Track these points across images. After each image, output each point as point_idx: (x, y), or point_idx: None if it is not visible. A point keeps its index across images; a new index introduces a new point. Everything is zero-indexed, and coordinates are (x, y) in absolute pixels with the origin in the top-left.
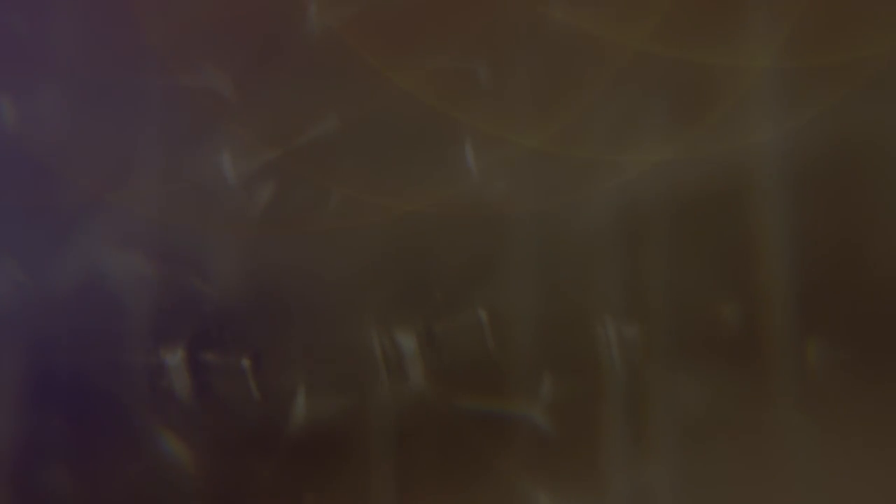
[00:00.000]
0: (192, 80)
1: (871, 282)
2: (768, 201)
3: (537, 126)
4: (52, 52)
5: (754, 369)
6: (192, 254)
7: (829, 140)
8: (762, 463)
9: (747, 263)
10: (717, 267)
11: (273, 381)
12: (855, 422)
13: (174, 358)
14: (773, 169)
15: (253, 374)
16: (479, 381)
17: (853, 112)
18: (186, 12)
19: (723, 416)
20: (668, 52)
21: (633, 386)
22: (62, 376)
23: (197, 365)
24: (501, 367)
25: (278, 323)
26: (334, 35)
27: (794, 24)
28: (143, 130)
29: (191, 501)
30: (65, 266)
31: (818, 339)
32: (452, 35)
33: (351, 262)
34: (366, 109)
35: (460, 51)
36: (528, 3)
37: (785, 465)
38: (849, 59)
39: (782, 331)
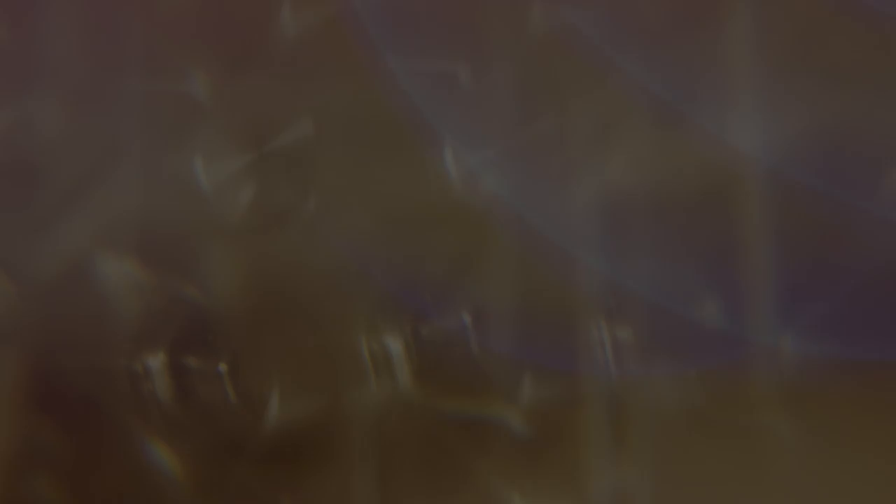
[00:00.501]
0: (170, 83)
1: (852, 281)
2: (750, 199)
3: (519, 126)
4: (34, 57)
5: (733, 368)
6: (177, 257)
7: (809, 137)
8: (741, 464)
9: (728, 262)
10: (698, 265)
11: (254, 385)
12: (834, 423)
13: (157, 362)
14: (754, 167)
15: (232, 378)
16: (462, 384)
17: (833, 110)
18: (166, 17)
19: (702, 416)
20: (648, 51)
21: (614, 386)
22: (49, 380)
23: (180, 368)
24: (484, 369)
25: (262, 325)
26: (309, 36)
27: (777, 22)
28: (124, 133)
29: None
30: (49, 268)
31: (797, 338)
32: (432, 36)
33: (335, 264)
34: (343, 111)
35: (440, 52)
36: (510, 3)
37: (764, 467)
38: (831, 59)
39: (762, 330)
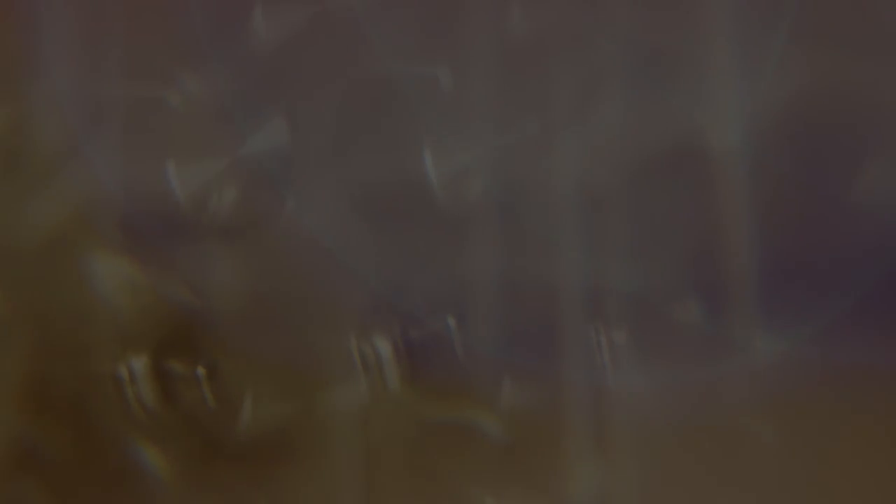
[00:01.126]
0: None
1: (836, 281)
2: (731, 188)
3: (499, 127)
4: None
5: (715, 371)
6: (163, 259)
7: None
8: (724, 469)
9: (710, 260)
10: (680, 263)
11: (238, 386)
12: (817, 427)
13: (141, 365)
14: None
15: (216, 380)
16: (445, 387)
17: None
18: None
19: (683, 420)
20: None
21: (598, 390)
22: (36, 383)
23: (164, 372)
24: (468, 372)
25: (247, 327)
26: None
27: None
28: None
29: None
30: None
31: (778, 340)
32: (410, 37)
33: (324, 265)
34: (321, 111)
35: (420, 54)
36: (489, 5)
37: (747, 472)
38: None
39: (744, 331)
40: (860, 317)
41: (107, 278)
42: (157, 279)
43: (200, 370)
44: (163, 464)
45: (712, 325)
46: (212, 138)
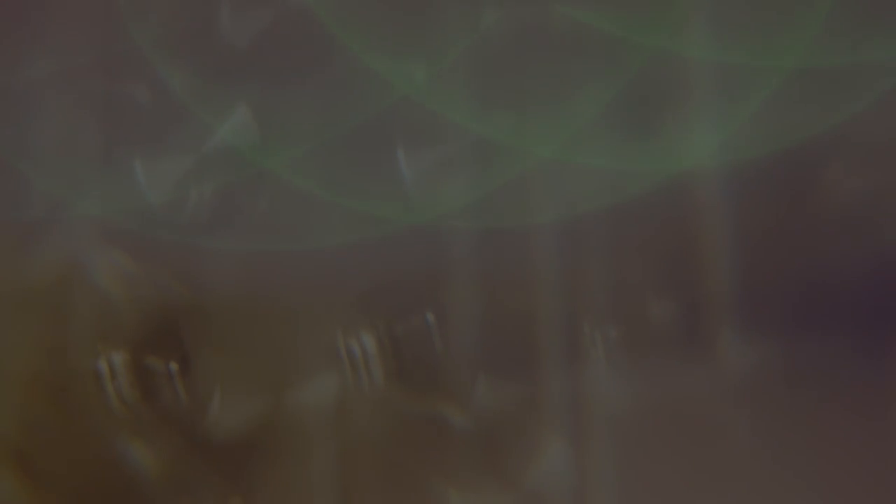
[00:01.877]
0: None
1: (803, 281)
2: (707, 204)
3: (479, 127)
4: None
5: (688, 367)
6: (150, 257)
7: (767, 141)
8: (698, 461)
9: (684, 262)
10: (655, 265)
11: (213, 383)
12: (786, 419)
13: (123, 359)
14: (712, 172)
15: (200, 375)
16: (423, 383)
17: (790, 113)
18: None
19: (659, 414)
20: (603, 50)
21: (573, 384)
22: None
23: (146, 366)
24: (445, 368)
25: (229, 323)
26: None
27: (731, 22)
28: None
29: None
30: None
31: (750, 336)
32: (383, 35)
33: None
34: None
35: (394, 52)
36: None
37: (721, 463)
38: (789, 60)
39: (719, 329)
40: (831, 315)
41: (92, 274)
42: (141, 274)
43: (173, 365)
44: (144, 458)
45: (688, 322)
46: (183, 134)
